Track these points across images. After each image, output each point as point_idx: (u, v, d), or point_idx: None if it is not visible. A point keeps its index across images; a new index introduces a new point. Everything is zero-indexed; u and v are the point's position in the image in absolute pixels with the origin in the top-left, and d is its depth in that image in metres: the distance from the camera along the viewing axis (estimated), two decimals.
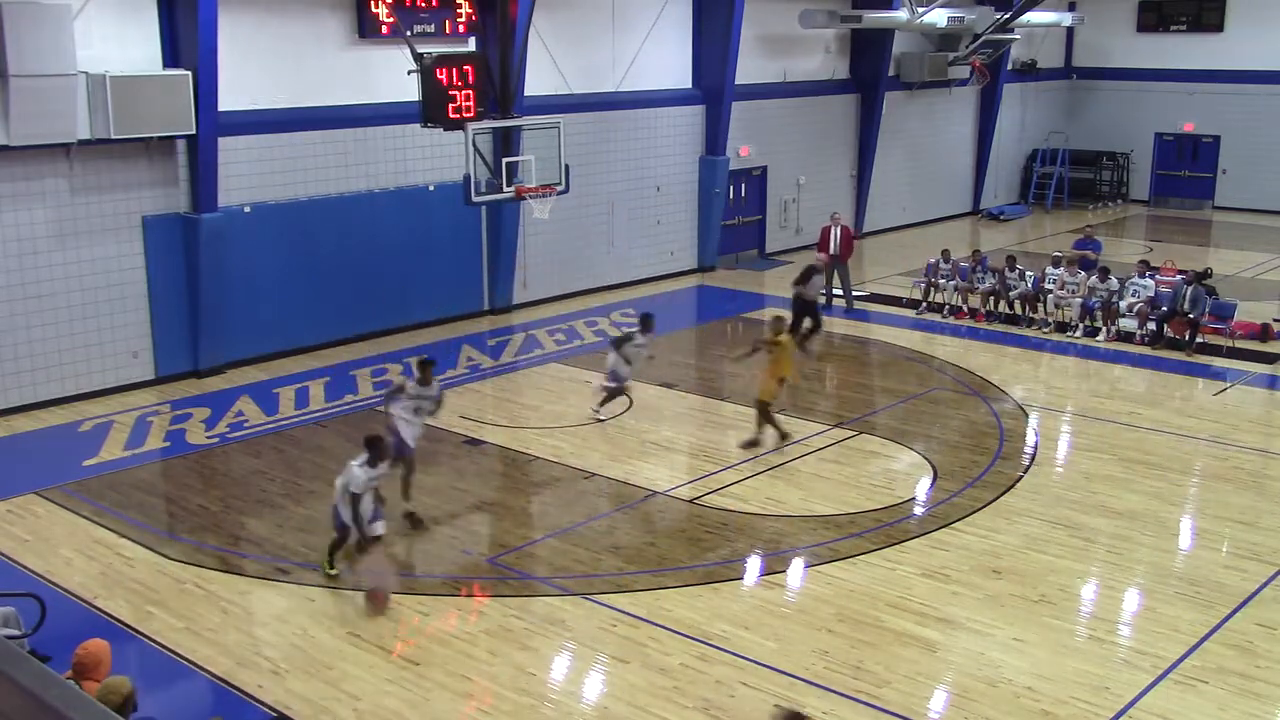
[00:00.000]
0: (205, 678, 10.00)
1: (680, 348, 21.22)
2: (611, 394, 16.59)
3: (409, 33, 18.60)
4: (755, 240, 28.28)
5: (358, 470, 11.27)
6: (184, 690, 9.98)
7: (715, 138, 25.85)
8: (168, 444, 15.70)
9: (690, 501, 13.74)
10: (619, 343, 16.62)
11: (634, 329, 17.05)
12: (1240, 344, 20.15)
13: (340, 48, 19.59)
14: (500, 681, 9.89)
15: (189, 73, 17.08)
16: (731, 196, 26.99)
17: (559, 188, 18.01)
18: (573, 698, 9.84)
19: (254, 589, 11.71)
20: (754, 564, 12.17)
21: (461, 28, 20.41)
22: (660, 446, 15.63)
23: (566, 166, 18.05)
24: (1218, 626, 10.75)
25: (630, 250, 24.90)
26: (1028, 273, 22.63)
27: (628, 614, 11.00)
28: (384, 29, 19.31)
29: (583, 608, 11.17)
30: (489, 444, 15.69)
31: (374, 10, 19.10)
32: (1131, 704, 9.51)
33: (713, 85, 25.58)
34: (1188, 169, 35.93)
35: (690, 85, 25.68)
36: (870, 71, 29.77)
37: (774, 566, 12.11)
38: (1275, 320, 20.86)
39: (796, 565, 12.14)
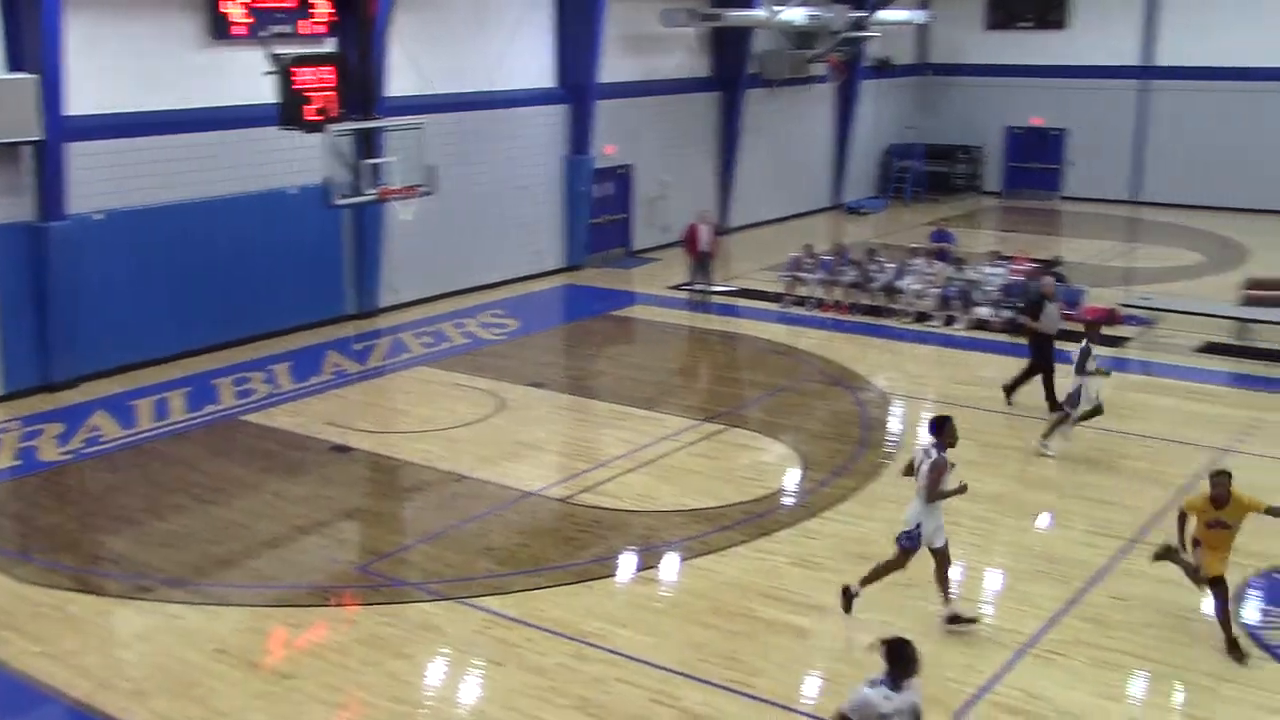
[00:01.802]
0: (64, 703, 9.65)
1: (549, 347, 21.22)
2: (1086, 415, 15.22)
3: (265, 33, 18.21)
4: (622, 239, 28.40)
5: None
6: (42, 717, 9.62)
7: (581, 137, 25.89)
8: (18, 462, 15.09)
9: (562, 501, 13.74)
10: (1083, 361, 14.91)
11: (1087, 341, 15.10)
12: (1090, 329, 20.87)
13: (194, 49, 19.06)
14: (374, 691, 9.76)
15: (34, 76, 16.45)
16: (598, 195, 27.04)
17: (424, 189, 17.83)
18: (448, 704, 9.76)
19: (115, 609, 11.35)
20: (627, 560, 12.22)
21: (321, 28, 20.02)
22: (531, 447, 15.59)
23: (431, 167, 17.89)
24: (1074, 601, 11.15)
25: (498, 251, 24.77)
26: (888, 264, 23.18)
27: (502, 616, 10.95)
28: (237, 30, 18.85)
29: (457, 612, 11.09)
30: (357, 450, 15.46)
31: (224, 11, 18.64)
32: (995, 680, 9.80)
33: (577, 84, 25.61)
34: (1038, 161, 37.16)
35: (555, 85, 25.66)
36: (732, 70, 30.15)
37: (647, 562, 12.18)
38: (1120, 305, 21.69)
39: (669, 560, 12.23)
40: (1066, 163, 36.72)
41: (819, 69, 32.01)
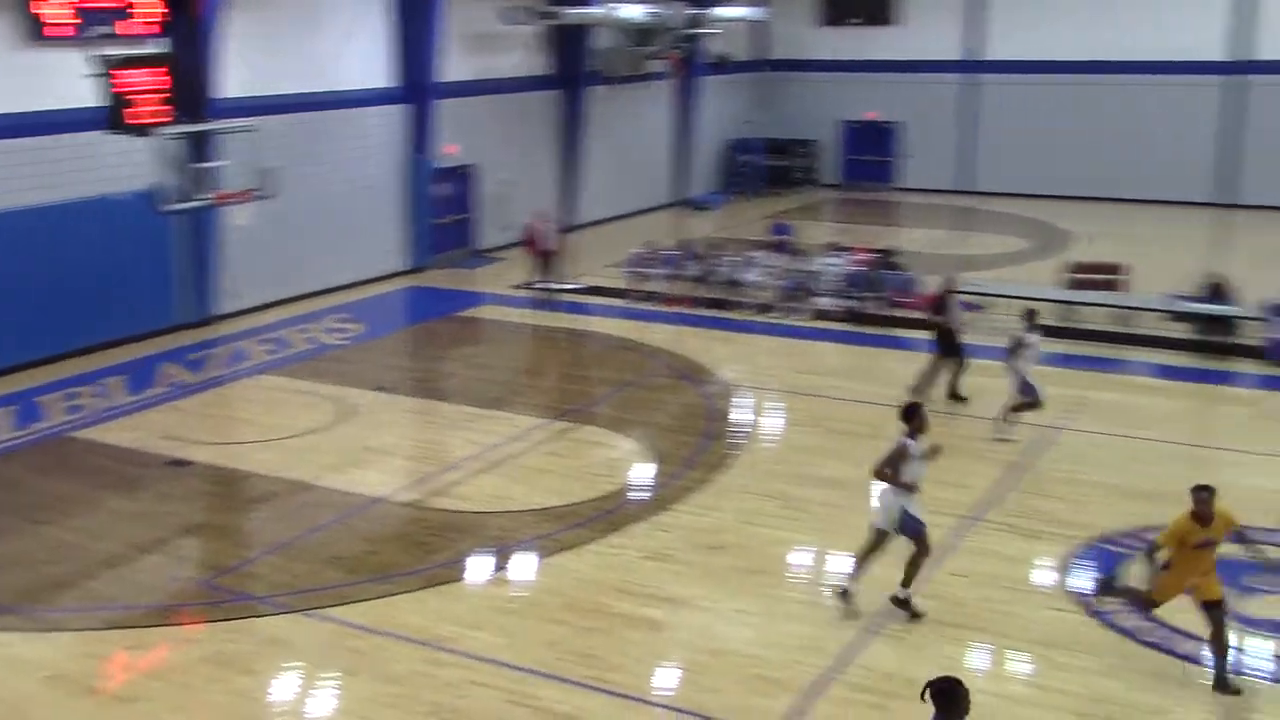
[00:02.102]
0: None
1: (395, 350, 20.94)
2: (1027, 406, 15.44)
3: (89, 34, 17.47)
4: (467, 239, 28.16)
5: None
6: None
7: (422, 137, 25.58)
8: None
9: (412, 505, 13.57)
10: (1016, 351, 15.36)
11: (1022, 331, 15.57)
12: (926, 315, 21.54)
13: (8, 51, 18.20)
14: (222, 710, 9.49)
15: None
16: (441, 195, 26.76)
17: (260, 193, 17.40)
18: (300, 718, 9.55)
19: None
20: (480, 562, 12.14)
21: (154, 28, 19.22)
22: (379, 452, 15.35)
23: (268, 170, 17.45)
24: (918, 579, 11.45)
25: (341, 253, 24.31)
26: (731, 258, 23.52)
27: (353, 625, 10.76)
28: (54, 31, 18.05)
29: (305, 624, 10.85)
30: (197, 463, 14.99)
31: (37, 12, 17.84)
32: (845, 659, 10.04)
33: (417, 84, 25.30)
34: (873, 154, 38.14)
35: (394, 84, 25.29)
36: (572, 67, 30.16)
37: (500, 563, 12.11)
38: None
39: (522, 560, 12.19)
40: (902, 155, 37.78)
41: (659, 66, 32.26)
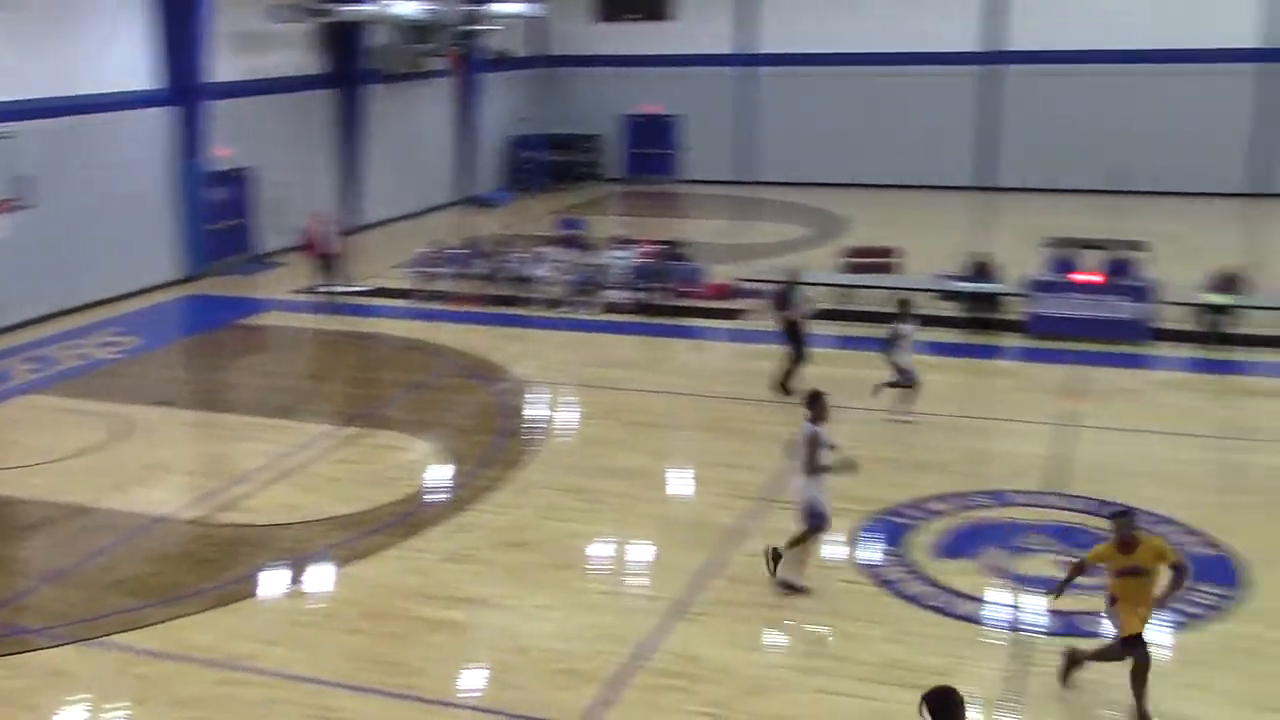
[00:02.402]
0: None
1: (173, 362, 20.13)
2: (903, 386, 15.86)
3: None
4: (245, 244, 27.26)
5: None
6: None
7: (192, 140, 24.62)
8: None
9: (198, 522, 13.08)
10: (893, 341, 15.83)
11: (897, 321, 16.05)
12: (712, 304, 22.07)
13: None
14: None
15: None
16: (215, 200, 25.81)
17: (19, 203, 16.44)
18: None
19: None
20: (274, 576, 11.79)
21: None
22: (161, 469, 14.74)
23: (25, 178, 16.49)
24: (715, 563, 11.75)
25: (110, 264, 23.16)
26: (519, 254, 23.51)
27: (141, 651, 10.31)
28: None
29: (89, 653, 10.34)
30: None
31: None
32: (648, 646, 10.18)
33: (185, 85, 24.31)
34: (655, 147, 38.70)
35: (160, 86, 24.23)
36: (348, 66, 29.55)
37: (295, 575, 11.80)
38: (736, 279, 22.98)
39: (318, 570, 11.91)
40: (683, 148, 38.45)
41: (438, 63, 31.92)
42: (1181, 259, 22.18)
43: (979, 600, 10.90)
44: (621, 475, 14.15)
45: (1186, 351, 19.03)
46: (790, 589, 11.08)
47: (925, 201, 34.05)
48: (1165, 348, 19.12)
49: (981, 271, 21.15)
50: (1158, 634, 10.26)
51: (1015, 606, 10.80)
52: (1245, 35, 32.95)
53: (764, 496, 13.35)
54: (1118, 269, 20.41)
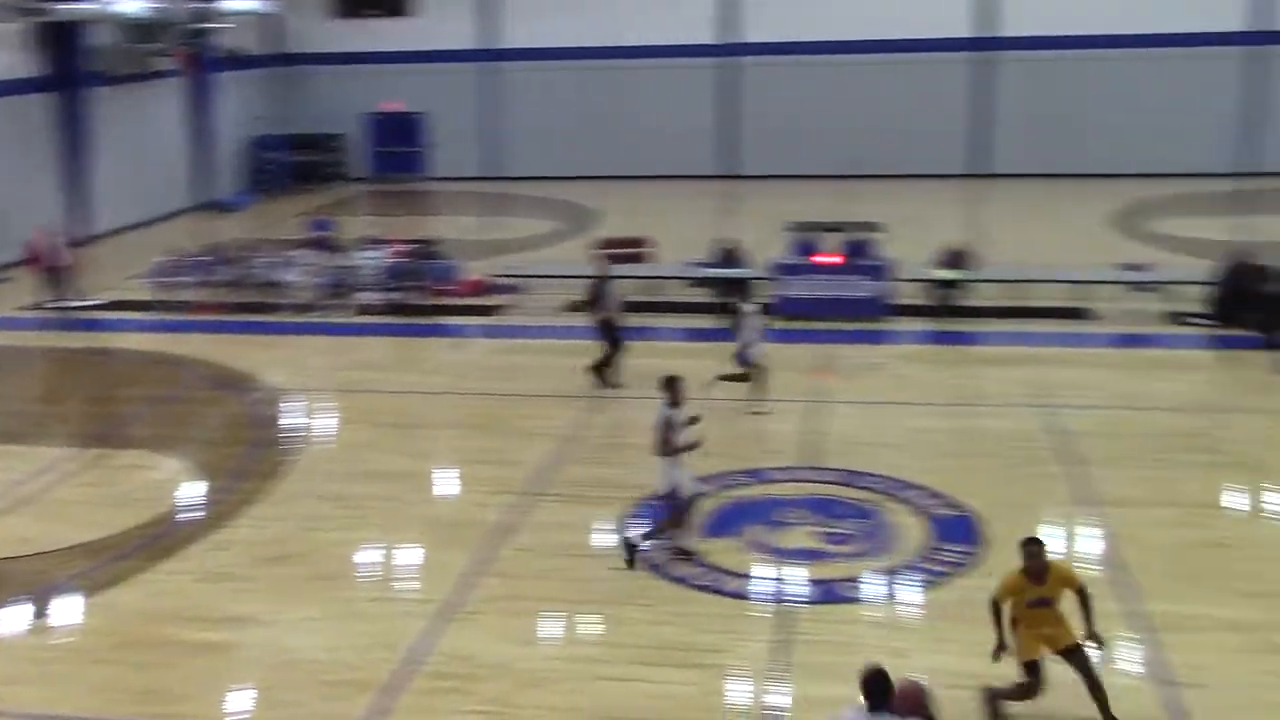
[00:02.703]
0: None
1: None
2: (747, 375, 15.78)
3: None
4: None
5: None
6: None
7: None
8: None
9: None
10: (739, 324, 15.93)
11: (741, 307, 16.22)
12: (467, 301, 21.92)
13: None
14: None
15: None
16: None
17: None
18: None
19: None
20: (12, 612, 11.02)
21: None
22: None
23: None
24: (484, 560, 11.69)
25: None
26: (266, 259, 22.73)
27: None
28: None
29: None
30: None
31: None
32: (421, 650, 10.05)
33: None
34: (401, 145, 38.08)
35: None
36: (68, 68, 27.85)
37: (38, 609, 11.06)
38: (491, 275, 22.89)
39: (63, 602, 11.20)
40: (430, 145, 37.99)
41: (167, 63, 30.48)
42: (913, 238, 23.38)
43: (745, 576, 11.22)
44: (383, 479, 13.89)
45: (921, 325, 20.10)
46: (685, 553, 11.51)
47: (672, 191, 34.75)
48: (902, 323, 20.13)
49: (730, 257, 21.75)
50: (909, 593, 10.86)
51: (779, 580, 11.17)
52: (959, 25, 35.02)
53: (529, 490, 13.36)
54: (856, 250, 21.35)
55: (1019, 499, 12.81)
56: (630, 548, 11.48)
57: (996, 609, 8.62)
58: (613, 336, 17.10)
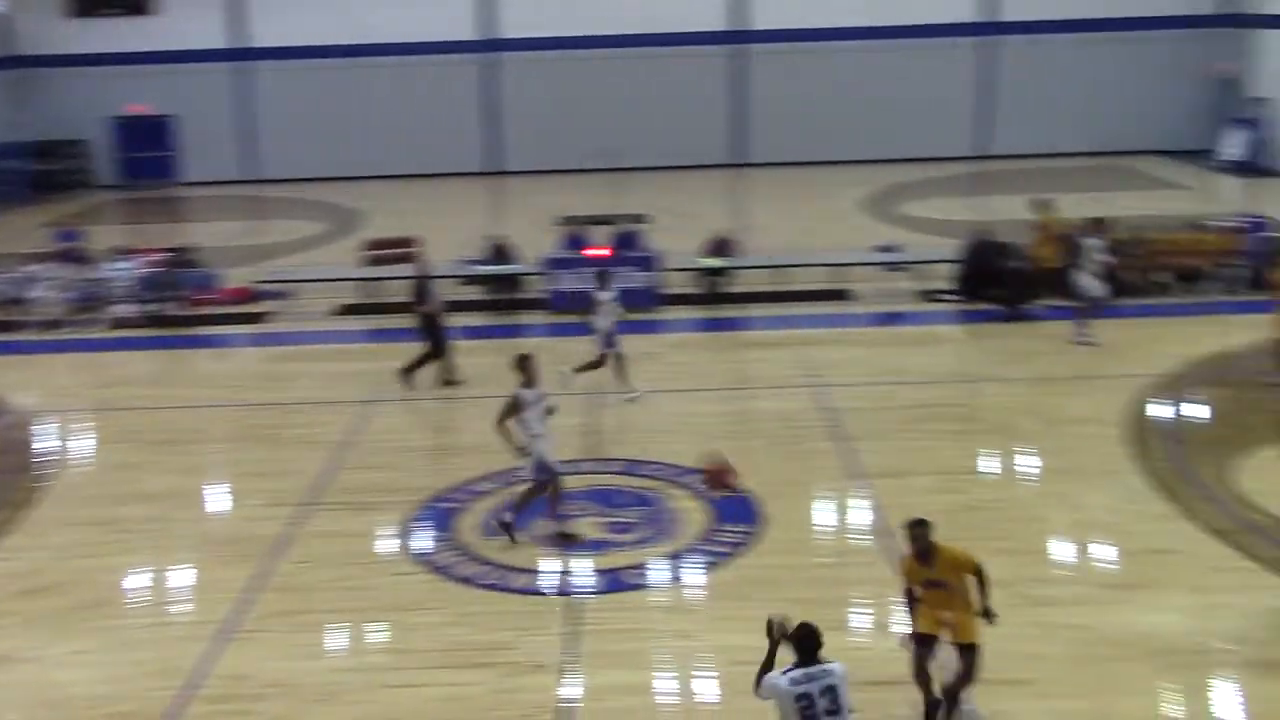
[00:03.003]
0: None
1: None
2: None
3: None
4: None
5: None
6: None
7: None
8: None
9: None
10: (593, 309, 16.09)
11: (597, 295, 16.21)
12: (231, 310, 21.17)
13: None
14: None
15: None
16: None
17: None
18: None
19: None
20: None
21: None
22: None
23: None
24: (263, 575, 11.34)
25: None
26: (7, 274, 21.39)
27: None
28: None
29: None
30: None
31: None
32: (199, 674, 9.67)
33: None
34: (151, 149, 36.38)
35: None
36: None
37: None
38: (255, 282, 22.18)
39: None
40: (182, 148, 36.43)
41: None
42: (680, 229, 23.88)
43: (532, 572, 11.25)
44: (151, 500, 13.29)
45: (692, 313, 20.56)
46: (567, 538, 11.71)
47: (438, 190, 34.40)
48: (673, 311, 20.54)
49: (500, 254, 21.72)
50: (693, 575, 11.12)
51: (565, 572, 11.26)
52: (715, 19, 35.91)
53: (306, 501, 13.03)
54: (624, 242, 21.66)
55: (794, 476, 13.28)
56: (505, 526, 11.66)
57: (908, 594, 8.67)
58: (436, 336, 16.92)
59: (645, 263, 20.84)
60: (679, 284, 21.26)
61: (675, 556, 11.47)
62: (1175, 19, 35.37)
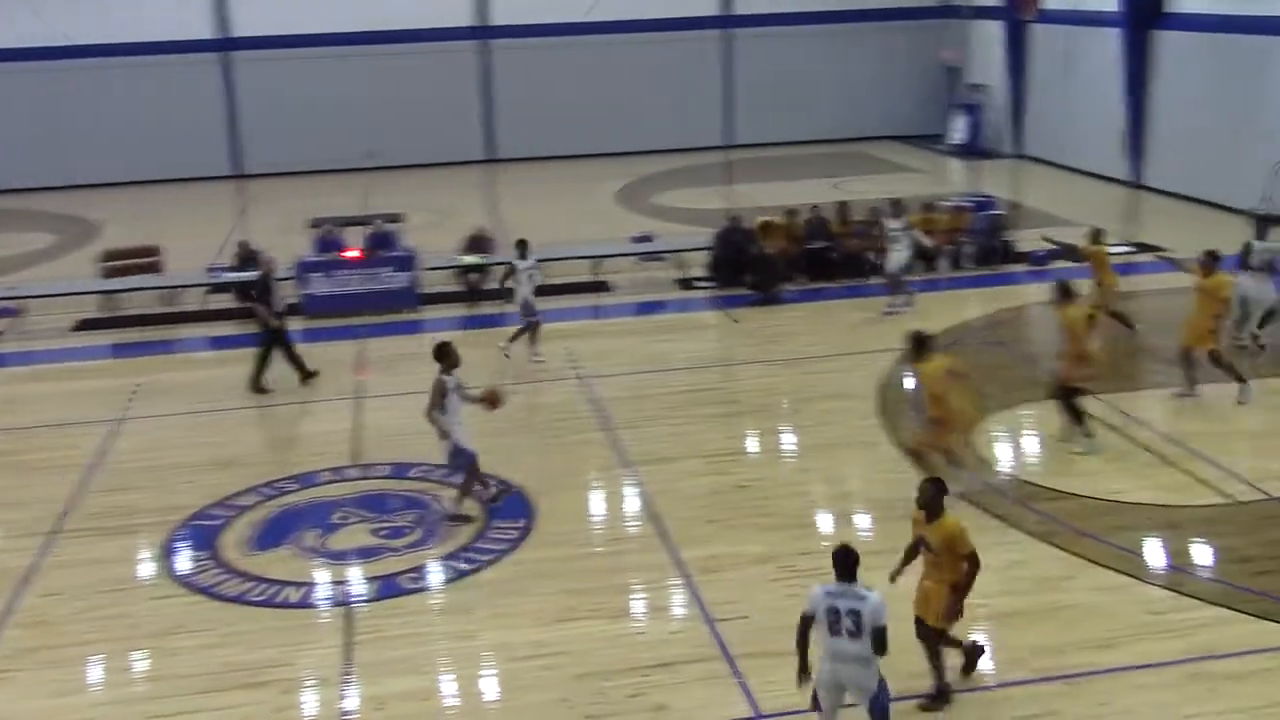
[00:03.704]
0: None
1: None
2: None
3: None
4: None
5: None
6: None
7: None
8: None
9: None
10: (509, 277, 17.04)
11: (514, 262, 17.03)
12: None
13: None
14: None
15: None
16: None
17: None
18: None
19: None
20: None
21: None
22: None
23: None
24: (7, 611, 10.64)
25: None
26: None
27: None
28: None
29: None
30: None
31: None
32: None
33: None
34: None
35: None
36: None
37: None
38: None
39: None
40: None
41: None
42: (437, 226, 23.63)
43: (303, 584, 10.95)
44: None
45: (453, 311, 20.38)
46: (461, 519, 11.98)
47: (178, 196, 32.82)
48: (434, 310, 20.31)
49: (252, 260, 20.97)
50: (469, 574, 11.06)
51: (338, 582, 11.01)
52: (462, 16, 35.66)
53: (52, 529, 12.28)
54: (380, 242, 21.26)
55: (564, 468, 13.38)
56: (456, 518, 11.95)
57: (912, 547, 8.75)
58: (282, 340, 16.57)
59: (403, 262, 20.53)
60: (438, 282, 21.04)
61: (450, 558, 11.39)
62: (903, 10, 37.38)
